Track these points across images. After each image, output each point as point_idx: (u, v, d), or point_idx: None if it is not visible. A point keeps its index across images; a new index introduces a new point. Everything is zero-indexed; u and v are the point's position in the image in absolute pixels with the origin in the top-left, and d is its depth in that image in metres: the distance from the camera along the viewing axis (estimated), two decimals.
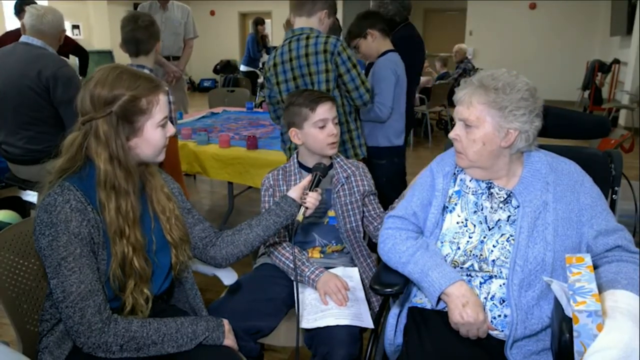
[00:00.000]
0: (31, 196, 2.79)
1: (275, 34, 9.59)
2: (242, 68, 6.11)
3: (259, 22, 6.02)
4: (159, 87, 0.93)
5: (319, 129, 1.28)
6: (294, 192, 1.12)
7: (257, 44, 5.96)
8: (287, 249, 1.28)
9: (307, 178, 1.15)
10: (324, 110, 1.28)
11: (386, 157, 2.01)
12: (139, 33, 1.72)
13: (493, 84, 0.98)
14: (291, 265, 1.24)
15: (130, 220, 0.90)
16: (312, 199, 1.12)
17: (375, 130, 1.99)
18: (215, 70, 9.04)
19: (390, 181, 2.02)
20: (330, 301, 1.16)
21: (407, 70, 2.00)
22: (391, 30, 2.12)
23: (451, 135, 1.04)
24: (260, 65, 6.38)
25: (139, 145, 0.92)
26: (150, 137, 0.92)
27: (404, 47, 2.03)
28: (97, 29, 8.27)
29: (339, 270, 1.26)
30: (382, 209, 1.38)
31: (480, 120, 0.99)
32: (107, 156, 0.88)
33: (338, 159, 1.37)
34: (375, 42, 1.96)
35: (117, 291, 0.91)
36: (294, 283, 1.11)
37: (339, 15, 8.94)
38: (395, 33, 2.20)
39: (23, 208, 2.42)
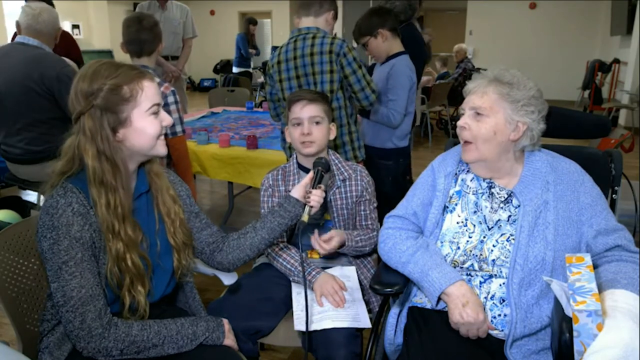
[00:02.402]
0: (31, 196, 2.78)
1: (275, 34, 9.59)
2: (235, 70, 6.04)
3: (252, 21, 6.00)
4: (143, 74, 0.90)
5: (294, 126, 1.29)
6: (296, 192, 1.09)
7: (248, 43, 5.94)
8: (285, 249, 1.28)
9: (309, 175, 1.11)
10: (298, 109, 1.27)
11: (392, 157, 2.01)
12: (144, 34, 1.72)
13: (507, 79, 1.00)
14: (289, 267, 1.24)
15: (120, 216, 0.88)
16: (317, 197, 1.08)
17: (381, 132, 1.98)
18: (215, 70, 9.03)
19: (396, 180, 2.03)
20: (327, 303, 1.15)
21: None
22: None
23: (460, 123, 1.04)
24: (253, 65, 6.35)
25: (128, 136, 0.89)
26: (140, 126, 0.88)
27: (407, 48, 2.01)
28: (97, 28, 8.26)
29: (336, 270, 1.26)
30: (374, 214, 1.34)
31: (493, 110, 0.99)
32: (95, 151, 0.86)
33: (336, 161, 1.35)
34: (385, 43, 1.93)
35: (116, 289, 0.90)
36: (304, 285, 1.09)
37: (339, 19, 8.96)
38: None
39: (23, 208, 2.42)
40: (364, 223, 1.33)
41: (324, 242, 1.19)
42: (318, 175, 1.11)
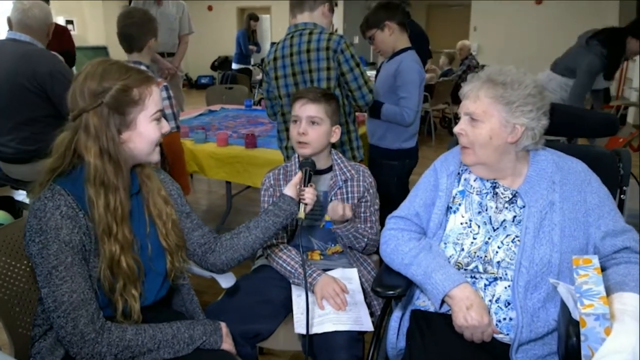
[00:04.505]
0: (23, 196, 2.76)
1: (274, 30, 9.54)
2: (234, 66, 5.99)
3: (254, 17, 5.96)
4: (151, 78, 0.91)
5: (294, 124, 1.28)
6: (289, 191, 1.10)
7: (249, 40, 5.90)
8: (284, 250, 1.26)
9: (298, 175, 1.13)
10: (298, 107, 1.27)
11: (398, 158, 1.97)
12: (131, 29, 1.69)
13: (501, 79, 0.97)
14: (289, 269, 1.22)
15: (119, 217, 0.87)
16: (310, 194, 1.10)
17: (388, 132, 1.95)
18: (213, 67, 8.99)
19: (401, 181, 2.00)
20: (328, 306, 1.13)
21: None
22: None
23: (456, 129, 1.02)
24: (253, 62, 6.31)
25: (132, 139, 0.89)
26: (144, 131, 0.89)
27: (412, 43, 1.97)
28: (92, 24, 8.19)
29: (337, 272, 1.24)
30: (374, 217, 1.32)
31: (486, 115, 0.97)
32: (97, 150, 0.85)
33: (339, 161, 1.33)
34: (392, 37, 1.89)
35: (108, 293, 0.88)
36: (304, 288, 1.07)
37: (339, 15, 8.91)
38: None
39: (15, 208, 2.38)
40: (362, 225, 1.30)
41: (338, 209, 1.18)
42: (307, 174, 1.13)
